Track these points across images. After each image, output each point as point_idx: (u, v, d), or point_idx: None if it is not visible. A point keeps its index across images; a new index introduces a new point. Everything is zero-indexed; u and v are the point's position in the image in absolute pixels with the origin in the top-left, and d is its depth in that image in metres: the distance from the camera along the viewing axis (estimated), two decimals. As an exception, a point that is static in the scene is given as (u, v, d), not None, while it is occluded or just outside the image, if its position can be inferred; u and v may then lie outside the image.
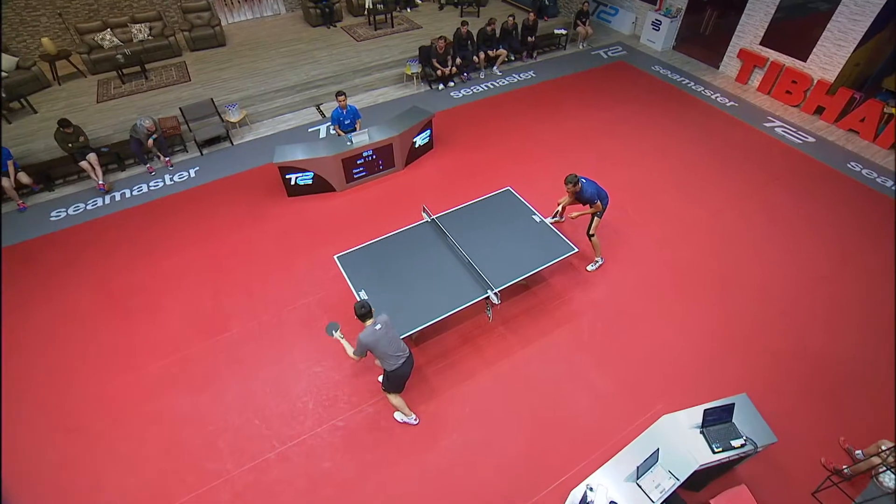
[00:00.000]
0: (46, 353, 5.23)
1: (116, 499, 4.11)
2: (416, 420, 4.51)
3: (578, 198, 5.50)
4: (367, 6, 11.22)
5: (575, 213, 5.60)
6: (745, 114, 9.04)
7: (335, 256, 5.26)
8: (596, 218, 5.61)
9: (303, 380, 4.91)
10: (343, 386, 4.83)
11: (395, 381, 4.13)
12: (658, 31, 11.22)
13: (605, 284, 5.81)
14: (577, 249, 5.26)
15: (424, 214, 5.77)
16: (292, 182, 7.12)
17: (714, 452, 3.58)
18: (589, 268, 5.98)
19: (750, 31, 9.77)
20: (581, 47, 11.38)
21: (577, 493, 3.37)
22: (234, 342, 5.28)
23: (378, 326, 3.82)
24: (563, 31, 11.09)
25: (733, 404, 3.76)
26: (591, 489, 3.35)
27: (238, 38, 11.06)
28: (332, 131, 7.92)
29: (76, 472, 4.29)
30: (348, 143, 7.07)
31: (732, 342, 5.17)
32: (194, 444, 4.43)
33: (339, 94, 7.27)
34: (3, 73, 8.55)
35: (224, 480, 4.20)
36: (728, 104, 9.32)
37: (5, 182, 6.86)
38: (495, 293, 4.71)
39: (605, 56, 11.08)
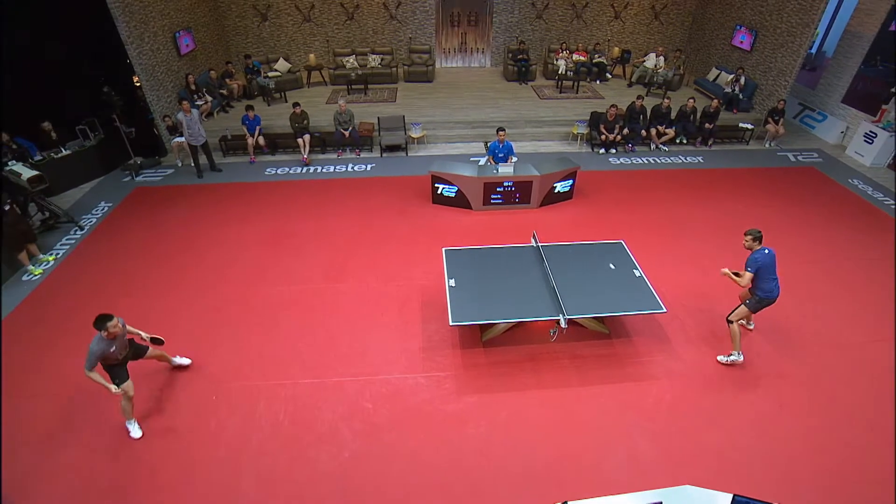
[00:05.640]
0: (217, 256, 7.05)
1: (240, 358, 5.35)
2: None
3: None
4: (560, 71, 12.35)
5: (725, 270, 5.00)
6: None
7: (443, 249, 6.03)
8: (743, 305, 5.08)
9: (377, 336, 5.71)
10: (409, 353, 5.46)
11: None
12: (871, 144, 9.99)
13: (690, 359, 5.44)
14: (665, 310, 5.13)
15: (532, 240, 6.23)
16: (439, 191, 8.24)
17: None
18: (720, 358, 5.37)
19: None
20: (767, 146, 10.70)
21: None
22: (342, 292, 6.37)
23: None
24: (750, 126, 10.60)
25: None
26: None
27: (443, 79, 13.15)
28: (487, 162, 8.92)
29: (204, 333, 5.71)
30: (494, 171, 7.95)
31: (827, 462, 4.39)
32: (284, 349, 5.52)
33: (499, 129, 8.28)
34: (278, 72, 11.78)
35: (292, 382, 5.12)
36: (942, 238, 7.78)
37: (250, 140, 9.48)
38: (565, 319, 4.90)
39: (793, 159, 10.23)
